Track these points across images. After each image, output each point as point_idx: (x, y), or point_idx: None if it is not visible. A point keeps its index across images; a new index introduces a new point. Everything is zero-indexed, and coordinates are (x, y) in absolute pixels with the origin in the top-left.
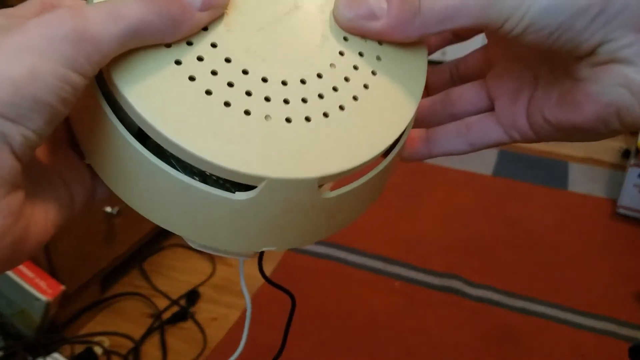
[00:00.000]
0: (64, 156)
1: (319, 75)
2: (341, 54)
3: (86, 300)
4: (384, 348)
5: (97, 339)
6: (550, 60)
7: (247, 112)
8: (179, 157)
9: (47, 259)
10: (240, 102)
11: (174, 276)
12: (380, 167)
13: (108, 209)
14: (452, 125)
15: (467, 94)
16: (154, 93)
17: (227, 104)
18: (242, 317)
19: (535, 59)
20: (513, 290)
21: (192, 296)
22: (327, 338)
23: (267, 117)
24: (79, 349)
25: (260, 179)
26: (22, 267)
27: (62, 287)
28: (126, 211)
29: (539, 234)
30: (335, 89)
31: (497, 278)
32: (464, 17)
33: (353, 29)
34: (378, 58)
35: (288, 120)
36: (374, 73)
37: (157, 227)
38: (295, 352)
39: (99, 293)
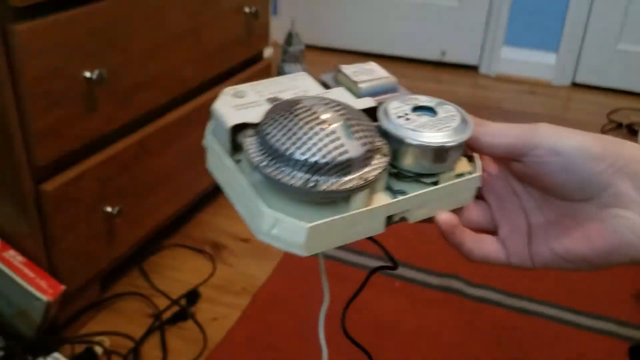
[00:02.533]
0: None
1: None
2: None
3: (86, 300)
4: (384, 348)
5: (97, 338)
6: (549, 199)
7: None
8: None
9: (47, 259)
10: None
11: (174, 276)
12: None
13: (108, 209)
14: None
15: (474, 211)
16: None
17: None
18: (242, 317)
19: (533, 196)
20: (513, 290)
21: (192, 296)
22: (326, 338)
23: None
24: (79, 348)
25: None
26: (22, 267)
27: (63, 287)
28: (126, 211)
29: None
30: None
31: (497, 278)
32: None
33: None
34: None
35: None
36: None
37: (157, 227)
38: (294, 352)
39: (99, 293)
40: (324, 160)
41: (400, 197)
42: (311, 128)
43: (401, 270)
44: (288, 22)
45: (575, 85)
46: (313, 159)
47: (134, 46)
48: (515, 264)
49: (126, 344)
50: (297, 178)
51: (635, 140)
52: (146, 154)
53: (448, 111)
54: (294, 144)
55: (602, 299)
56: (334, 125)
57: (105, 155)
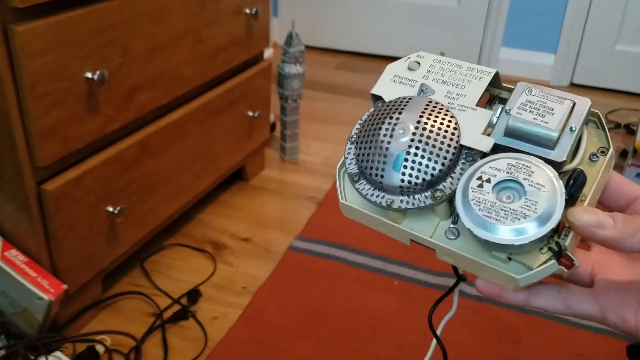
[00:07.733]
0: None
1: None
2: None
3: (88, 299)
4: (383, 347)
5: (98, 337)
6: None
7: None
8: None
9: (49, 258)
10: None
11: (175, 275)
12: None
13: (110, 209)
14: (554, 284)
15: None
16: None
17: None
18: (243, 316)
19: None
20: None
21: (193, 295)
22: (326, 337)
23: None
24: (80, 347)
25: None
26: (24, 267)
27: (64, 286)
28: (128, 211)
29: None
30: None
31: None
32: None
33: (584, 233)
34: None
35: None
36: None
37: (158, 226)
38: (295, 351)
39: (100, 292)
40: (361, 167)
41: (420, 234)
42: (376, 140)
43: (400, 269)
44: (288, 23)
45: (574, 85)
46: (358, 162)
47: (135, 47)
48: (612, 322)
49: (128, 342)
50: (351, 164)
51: (634, 141)
52: (147, 154)
53: (538, 191)
54: (357, 140)
55: None
56: (392, 149)
57: (106, 156)
